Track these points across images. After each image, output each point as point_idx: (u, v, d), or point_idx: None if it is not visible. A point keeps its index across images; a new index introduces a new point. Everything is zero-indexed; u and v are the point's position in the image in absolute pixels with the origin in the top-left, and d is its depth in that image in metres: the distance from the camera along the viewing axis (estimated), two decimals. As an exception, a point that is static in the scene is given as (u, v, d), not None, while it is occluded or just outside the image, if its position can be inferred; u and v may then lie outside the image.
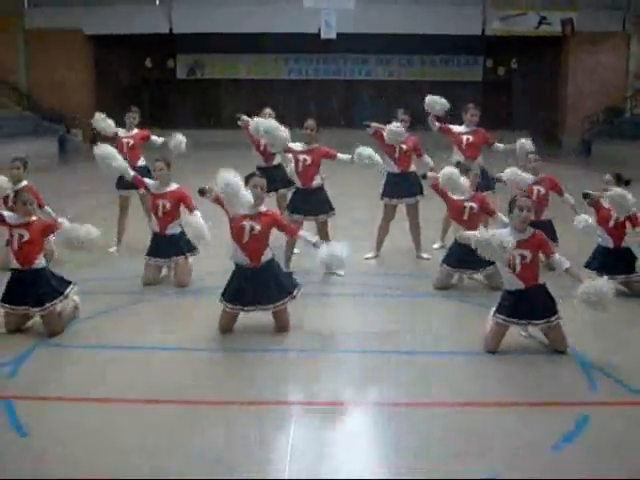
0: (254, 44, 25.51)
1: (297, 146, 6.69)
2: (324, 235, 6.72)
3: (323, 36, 23.13)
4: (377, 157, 6.64)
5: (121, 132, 7.85)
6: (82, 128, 23.46)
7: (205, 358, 4.80)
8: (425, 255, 7.40)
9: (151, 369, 4.49)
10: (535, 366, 4.55)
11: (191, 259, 6.48)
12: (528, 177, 6.67)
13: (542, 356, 4.69)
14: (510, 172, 6.63)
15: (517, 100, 27.47)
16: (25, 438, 3.52)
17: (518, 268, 4.67)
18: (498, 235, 4.62)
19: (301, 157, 6.62)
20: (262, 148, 7.35)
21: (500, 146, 7.59)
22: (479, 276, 6.36)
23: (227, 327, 5.12)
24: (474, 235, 4.72)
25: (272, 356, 4.77)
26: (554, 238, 6.48)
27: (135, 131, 7.90)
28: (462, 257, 6.09)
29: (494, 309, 4.80)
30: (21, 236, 5.02)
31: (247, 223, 5.01)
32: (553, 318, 4.65)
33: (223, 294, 5.11)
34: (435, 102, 7.41)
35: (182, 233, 6.39)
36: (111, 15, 23.84)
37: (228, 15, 22.94)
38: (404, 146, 7.15)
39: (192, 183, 5.88)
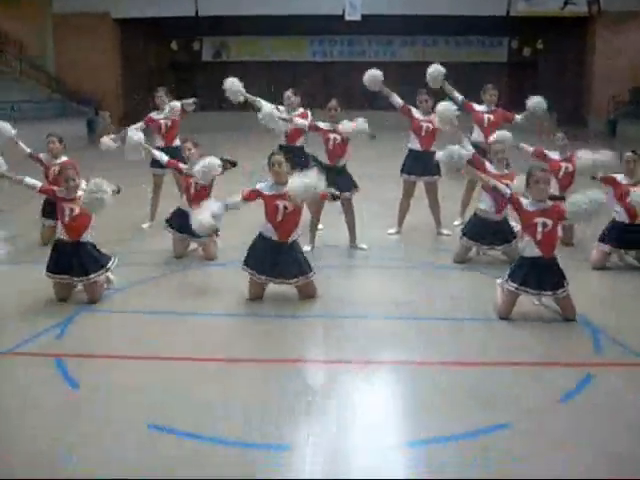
0: (279, 26, 25.65)
1: (325, 125, 6.91)
2: (349, 212, 7.01)
3: (347, 18, 23.29)
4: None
5: (154, 115, 7.99)
6: (110, 110, 23.95)
7: (237, 322, 5.13)
8: (445, 231, 7.64)
9: (187, 331, 4.84)
10: (545, 331, 4.82)
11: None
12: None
13: (552, 323, 4.96)
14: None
15: (543, 81, 27.24)
16: (76, 389, 3.89)
17: (539, 236, 4.86)
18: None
19: (332, 135, 6.84)
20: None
21: (519, 117, 7.67)
22: (495, 252, 6.59)
23: (256, 296, 5.41)
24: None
25: (300, 321, 5.07)
26: None
27: None
28: (482, 231, 6.35)
29: (504, 278, 5.04)
30: (72, 210, 5.30)
31: (280, 203, 5.27)
32: (560, 291, 4.87)
33: (245, 262, 5.38)
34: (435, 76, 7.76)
35: None
36: (138, -2, 24.16)
37: (253, -3, 23.12)
38: (430, 125, 7.34)
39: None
